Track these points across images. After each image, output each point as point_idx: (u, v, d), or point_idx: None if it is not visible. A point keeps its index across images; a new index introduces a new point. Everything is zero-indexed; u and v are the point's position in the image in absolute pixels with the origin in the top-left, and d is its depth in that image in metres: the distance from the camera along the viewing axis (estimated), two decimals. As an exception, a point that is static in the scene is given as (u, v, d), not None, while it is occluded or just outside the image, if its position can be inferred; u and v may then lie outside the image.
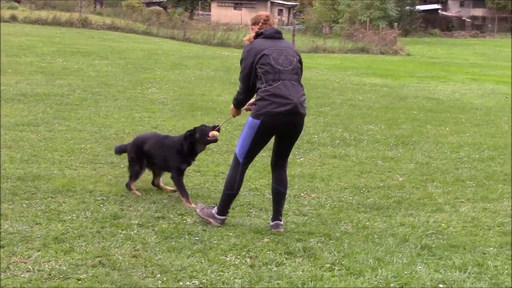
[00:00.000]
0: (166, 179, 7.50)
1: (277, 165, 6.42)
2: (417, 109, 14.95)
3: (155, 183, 7.52)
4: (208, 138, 6.83)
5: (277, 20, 68.23)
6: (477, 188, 8.24)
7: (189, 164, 7.11)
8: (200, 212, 6.40)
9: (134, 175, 7.30)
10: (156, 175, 7.49)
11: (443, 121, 13.39)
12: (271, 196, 6.55)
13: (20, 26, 32.88)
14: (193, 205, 6.83)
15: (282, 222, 6.35)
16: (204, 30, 38.50)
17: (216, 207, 6.37)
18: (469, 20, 69.88)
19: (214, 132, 6.79)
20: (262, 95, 6.00)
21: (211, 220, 6.30)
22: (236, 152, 6.26)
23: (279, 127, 6.09)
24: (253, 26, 6.41)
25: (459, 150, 10.50)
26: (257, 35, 6.28)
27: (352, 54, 34.60)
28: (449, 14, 72.60)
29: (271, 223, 6.37)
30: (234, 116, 6.79)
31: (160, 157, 7.17)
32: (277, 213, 6.37)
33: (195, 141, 6.92)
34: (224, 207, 6.32)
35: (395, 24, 41.93)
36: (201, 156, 9.04)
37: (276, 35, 6.25)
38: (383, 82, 20.94)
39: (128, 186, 7.28)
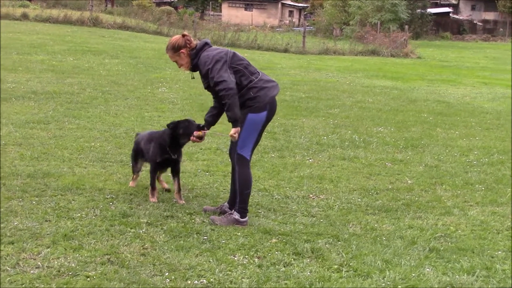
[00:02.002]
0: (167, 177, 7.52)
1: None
2: (427, 112, 14.92)
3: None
4: (192, 137, 6.61)
5: (287, 21, 68.30)
6: (486, 191, 8.22)
7: (169, 156, 6.86)
8: (221, 222, 6.32)
9: (133, 171, 7.50)
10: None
11: (453, 125, 13.36)
12: (278, 197, 6.54)
13: (31, 24, 32.97)
14: (154, 199, 6.85)
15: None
16: (214, 30, 38.44)
17: (235, 212, 6.37)
18: (481, 24, 69.69)
19: (199, 133, 6.58)
20: (259, 86, 6.21)
21: (238, 225, 6.31)
22: (240, 153, 6.31)
23: (275, 109, 6.40)
24: (182, 50, 6.54)
25: (469, 154, 10.48)
26: (203, 46, 6.42)
27: (363, 56, 34.56)
28: (461, 18, 72.44)
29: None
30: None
31: (145, 151, 7.11)
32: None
33: (177, 135, 6.78)
34: (245, 208, 6.40)
35: (406, 26, 41.84)
36: (209, 156, 9.09)
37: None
38: (393, 84, 20.91)
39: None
